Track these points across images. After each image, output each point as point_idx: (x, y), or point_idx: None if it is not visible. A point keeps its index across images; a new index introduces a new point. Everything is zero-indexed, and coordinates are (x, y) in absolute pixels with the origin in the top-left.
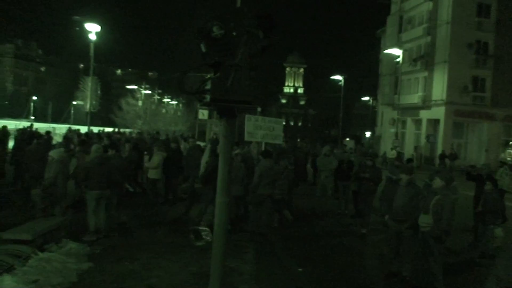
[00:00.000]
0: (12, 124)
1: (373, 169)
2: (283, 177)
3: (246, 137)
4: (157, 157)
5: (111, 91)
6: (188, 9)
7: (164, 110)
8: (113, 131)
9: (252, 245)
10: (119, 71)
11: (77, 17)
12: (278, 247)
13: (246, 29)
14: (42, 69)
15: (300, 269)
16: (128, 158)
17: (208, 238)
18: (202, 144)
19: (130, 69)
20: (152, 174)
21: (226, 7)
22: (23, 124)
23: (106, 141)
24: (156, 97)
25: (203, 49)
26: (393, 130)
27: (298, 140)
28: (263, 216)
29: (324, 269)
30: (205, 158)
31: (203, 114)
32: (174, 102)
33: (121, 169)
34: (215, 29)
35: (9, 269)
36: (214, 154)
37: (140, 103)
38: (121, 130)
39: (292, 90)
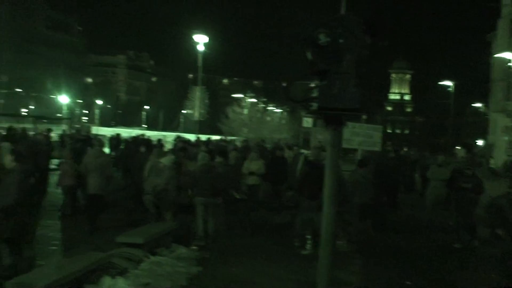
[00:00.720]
0: (126, 132)
1: (474, 178)
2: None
3: (343, 144)
4: (256, 163)
5: (218, 99)
6: (291, 17)
7: (268, 118)
8: (220, 139)
9: (358, 256)
10: (225, 80)
11: (193, 30)
12: (384, 258)
13: (353, 35)
14: (154, 79)
15: (408, 282)
16: (235, 166)
17: (310, 246)
18: (305, 152)
19: (236, 78)
20: (251, 180)
21: (331, 13)
22: (135, 132)
23: (203, 149)
24: (261, 105)
25: (309, 57)
26: (507, 138)
27: (405, 149)
28: (359, 225)
29: (434, 283)
30: (299, 166)
31: (307, 122)
32: (278, 110)
33: (228, 177)
34: (321, 36)
35: (123, 272)
36: (307, 162)
37: (245, 111)
38: (228, 138)
39: (398, 97)
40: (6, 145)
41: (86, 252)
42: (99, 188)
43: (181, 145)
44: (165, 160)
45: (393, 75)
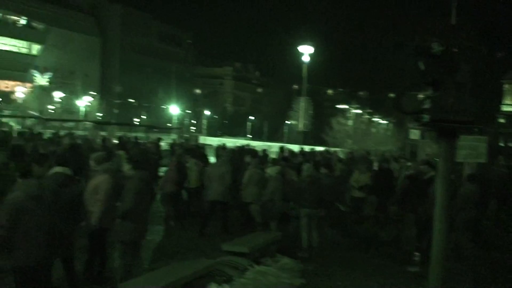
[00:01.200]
0: (231, 142)
1: None
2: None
3: None
4: (365, 176)
5: (322, 110)
6: (402, 27)
7: (374, 130)
8: (324, 150)
9: (471, 273)
10: (330, 91)
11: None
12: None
13: (468, 45)
14: (259, 90)
15: None
16: (340, 177)
17: (417, 263)
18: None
19: (340, 89)
20: (357, 193)
21: (441, 21)
22: (240, 142)
23: (300, 159)
24: (366, 116)
25: (422, 67)
26: None
27: None
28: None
29: None
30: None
31: (414, 134)
32: (384, 122)
33: (333, 189)
34: (434, 46)
35: (228, 280)
36: (407, 176)
37: (350, 122)
38: (332, 149)
39: (511, 109)
40: (122, 153)
41: (196, 259)
42: (221, 195)
43: (283, 156)
44: (271, 171)
45: (506, 86)
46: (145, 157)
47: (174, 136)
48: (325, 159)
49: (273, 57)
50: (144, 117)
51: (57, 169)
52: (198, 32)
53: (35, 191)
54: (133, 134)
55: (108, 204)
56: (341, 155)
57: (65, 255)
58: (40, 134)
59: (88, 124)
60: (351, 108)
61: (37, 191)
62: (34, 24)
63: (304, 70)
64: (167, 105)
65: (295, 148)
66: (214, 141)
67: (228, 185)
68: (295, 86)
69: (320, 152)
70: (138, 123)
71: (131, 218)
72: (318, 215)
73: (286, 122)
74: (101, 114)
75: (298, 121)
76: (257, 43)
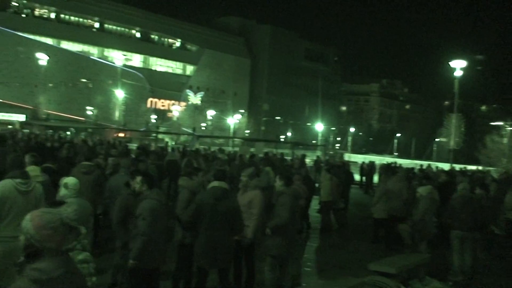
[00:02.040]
0: (377, 160)
1: None
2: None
3: None
4: None
5: (475, 127)
6: None
7: None
8: (477, 170)
9: None
10: (483, 107)
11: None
12: None
13: None
14: (407, 106)
15: None
16: (495, 198)
17: None
18: None
19: (495, 105)
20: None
21: None
22: (386, 159)
23: (444, 177)
24: None
25: None
26: None
27: None
28: None
29: None
30: None
31: None
32: None
33: (489, 210)
34: None
35: None
36: None
37: (505, 140)
38: (486, 168)
39: None
40: (269, 169)
41: (343, 277)
42: (398, 211)
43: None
44: (422, 190)
45: None
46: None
47: (319, 153)
48: (479, 179)
49: (423, 72)
50: (290, 134)
51: (215, 183)
52: (344, 49)
53: (164, 199)
54: (279, 151)
55: (262, 218)
56: (494, 175)
57: (222, 266)
58: (197, 150)
59: (237, 140)
60: (506, 125)
61: (164, 199)
62: (188, 46)
63: (456, 86)
64: (312, 122)
65: (445, 166)
66: (359, 158)
67: (404, 200)
68: (446, 102)
69: (472, 171)
70: (283, 140)
71: (282, 233)
72: (471, 237)
73: (436, 139)
74: (248, 131)
75: (448, 138)
76: (405, 59)
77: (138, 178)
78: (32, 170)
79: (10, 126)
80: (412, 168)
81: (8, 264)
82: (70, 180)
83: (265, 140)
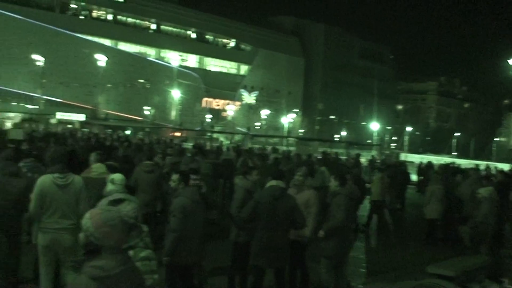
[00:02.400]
0: (434, 160)
1: None
2: None
3: None
4: None
5: None
6: None
7: None
8: None
9: None
10: None
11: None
12: None
13: None
14: (466, 105)
15: None
16: None
17: None
18: None
19: None
20: None
21: None
22: (444, 159)
23: (499, 177)
24: None
25: None
26: None
27: None
28: None
29: None
30: None
31: None
32: None
33: None
34: None
35: None
36: None
37: None
38: None
39: None
40: (324, 169)
41: (401, 280)
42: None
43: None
44: (484, 191)
45: None
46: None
47: (374, 152)
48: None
49: (482, 71)
50: (345, 133)
51: (272, 182)
52: (400, 47)
53: (196, 196)
54: (334, 150)
55: (318, 218)
56: None
57: (279, 265)
58: (251, 149)
59: (291, 140)
60: None
61: (198, 197)
62: (242, 46)
63: None
64: (367, 121)
65: (505, 167)
66: (416, 158)
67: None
68: (506, 101)
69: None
70: (338, 139)
71: (337, 234)
72: None
73: (495, 139)
74: (303, 130)
75: (508, 138)
76: (464, 56)
77: (175, 176)
78: (98, 167)
79: (70, 126)
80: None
81: (53, 255)
82: (116, 176)
83: (320, 139)
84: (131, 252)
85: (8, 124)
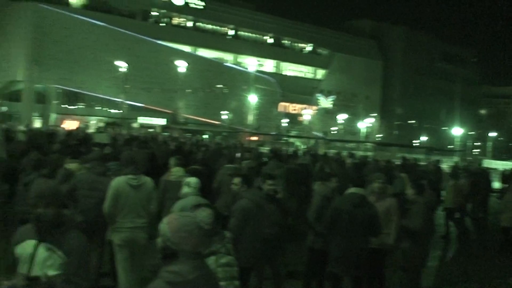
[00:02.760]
0: None
1: None
2: None
3: None
4: None
5: None
6: None
7: None
8: None
9: None
10: None
11: None
12: None
13: None
14: None
15: None
16: None
17: None
18: None
19: None
20: None
21: None
22: None
23: None
24: None
25: None
26: None
27: None
28: None
29: None
30: None
31: None
32: None
33: None
34: None
35: None
36: None
37: None
38: None
39: None
40: (404, 175)
41: None
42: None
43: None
44: None
45: None
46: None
47: (456, 158)
48: None
49: None
50: (425, 138)
51: (353, 189)
52: (484, 50)
53: (259, 200)
54: (413, 156)
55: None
56: None
57: (357, 274)
58: (326, 154)
59: (369, 145)
60: None
61: (261, 200)
62: (319, 50)
63: None
64: (448, 127)
65: None
66: (499, 164)
67: None
68: None
69: None
70: (418, 145)
71: (415, 243)
72: None
73: None
74: (381, 135)
75: None
76: None
77: (237, 179)
78: (177, 171)
79: (151, 130)
80: None
81: (129, 252)
82: (192, 179)
83: (398, 144)
84: (212, 258)
85: (92, 128)
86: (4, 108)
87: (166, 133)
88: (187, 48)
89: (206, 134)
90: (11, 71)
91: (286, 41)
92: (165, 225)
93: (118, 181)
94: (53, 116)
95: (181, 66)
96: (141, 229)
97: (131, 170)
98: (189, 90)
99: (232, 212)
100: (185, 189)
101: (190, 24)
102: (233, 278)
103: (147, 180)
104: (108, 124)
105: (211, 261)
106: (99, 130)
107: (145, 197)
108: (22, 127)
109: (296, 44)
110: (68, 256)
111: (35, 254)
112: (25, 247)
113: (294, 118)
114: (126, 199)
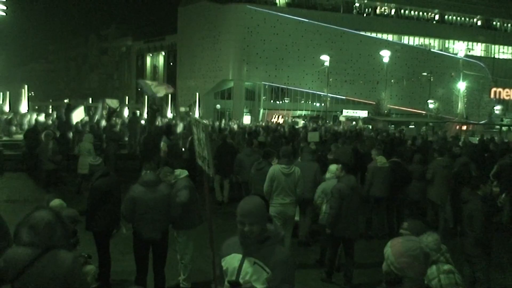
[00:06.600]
0: None
1: None
2: None
3: None
4: None
5: None
6: None
7: None
8: None
9: None
10: None
11: None
12: None
13: None
14: None
15: None
16: None
17: None
18: None
19: None
20: None
21: None
22: None
23: None
24: None
25: None
26: None
27: None
28: None
29: None
30: None
31: None
32: None
33: None
34: None
35: None
36: None
37: None
38: None
39: None
40: None
41: None
42: None
43: None
44: None
45: None
46: None
47: None
48: None
49: None
50: None
51: None
52: None
53: (353, 183)
54: None
55: None
56: None
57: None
58: None
59: None
60: None
61: (355, 183)
62: None
63: None
64: None
65: None
66: None
67: None
68: None
69: None
70: None
71: None
72: None
73: None
74: None
75: None
76: None
77: (336, 166)
78: (381, 158)
79: (354, 123)
80: None
81: (282, 222)
82: (332, 166)
83: None
84: (434, 267)
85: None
86: (218, 106)
87: (368, 125)
88: (390, 37)
89: (411, 125)
90: (223, 70)
91: (497, 22)
92: (389, 248)
93: (274, 169)
94: (261, 112)
95: (385, 56)
96: (290, 204)
97: (285, 161)
98: (392, 80)
99: (332, 193)
100: (328, 175)
101: (393, 12)
102: (457, 285)
103: (296, 169)
104: (311, 117)
105: (433, 269)
106: (304, 125)
107: (293, 182)
108: (233, 123)
109: (508, 25)
110: (273, 271)
111: (241, 268)
112: (231, 260)
113: (508, 105)
114: (278, 183)
